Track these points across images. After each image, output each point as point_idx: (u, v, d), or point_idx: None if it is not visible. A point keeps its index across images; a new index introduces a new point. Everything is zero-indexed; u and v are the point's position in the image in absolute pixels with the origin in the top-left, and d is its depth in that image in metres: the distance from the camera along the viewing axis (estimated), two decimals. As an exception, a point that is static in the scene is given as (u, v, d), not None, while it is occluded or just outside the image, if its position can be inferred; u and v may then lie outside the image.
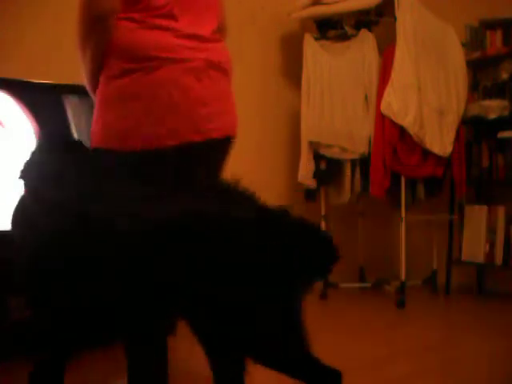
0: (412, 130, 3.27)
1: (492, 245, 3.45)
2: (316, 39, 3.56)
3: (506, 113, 3.40)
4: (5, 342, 2.29)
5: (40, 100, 2.43)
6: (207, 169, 1.64)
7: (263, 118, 3.68)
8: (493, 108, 3.43)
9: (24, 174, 1.60)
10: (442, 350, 2.41)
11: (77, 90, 2.51)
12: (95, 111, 1.62)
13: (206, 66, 1.59)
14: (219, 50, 1.66)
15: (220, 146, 1.64)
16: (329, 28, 3.60)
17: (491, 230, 3.47)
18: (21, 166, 1.63)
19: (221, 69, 1.63)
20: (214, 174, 1.67)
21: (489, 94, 3.56)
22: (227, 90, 1.66)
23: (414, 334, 2.68)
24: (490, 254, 3.45)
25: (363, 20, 3.57)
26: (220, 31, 1.70)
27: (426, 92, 3.34)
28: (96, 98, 1.65)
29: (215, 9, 1.71)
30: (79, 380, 1.92)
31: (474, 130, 3.68)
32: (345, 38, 3.57)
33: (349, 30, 3.56)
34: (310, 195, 3.61)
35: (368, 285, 3.78)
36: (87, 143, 1.64)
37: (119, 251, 1.27)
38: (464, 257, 3.59)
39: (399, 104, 3.27)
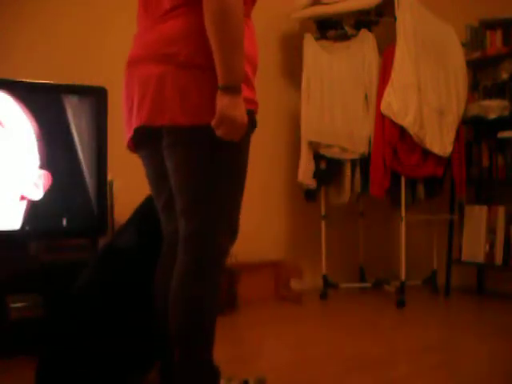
0: (412, 130, 3.27)
1: (492, 245, 3.45)
2: (316, 39, 3.56)
3: (506, 113, 3.40)
4: (5, 341, 2.29)
5: (40, 100, 2.43)
6: None
7: (263, 118, 3.64)
8: (493, 108, 3.43)
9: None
10: (442, 349, 2.41)
11: (77, 90, 2.51)
12: None
13: (126, 65, 1.66)
14: (143, 40, 1.62)
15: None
16: (329, 28, 3.59)
17: (491, 230, 3.47)
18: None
19: (132, 63, 1.63)
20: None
21: (489, 94, 3.56)
22: (140, 79, 1.59)
23: (413, 333, 2.68)
24: (490, 254, 3.45)
25: (363, 20, 3.57)
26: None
27: (426, 92, 3.34)
28: None
29: None
30: None
31: (474, 129, 3.69)
32: (345, 38, 3.57)
33: (349, 30, 3.56)
34: (310, 195, 3.61)
35: (368, 285, 3.78)
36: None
37: None
38: (464, 257, 3.59)
39: (399, 104, 3.27)
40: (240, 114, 1.46)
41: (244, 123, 1.49)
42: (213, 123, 1.47)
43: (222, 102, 1.45)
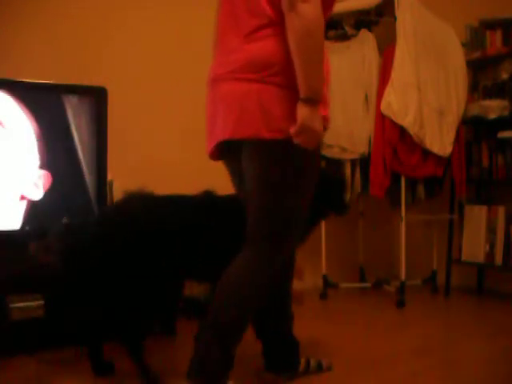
0: (412, 130, 3.27)
1: (492, 245, 3.45)
2: (316, 39, 3.55)
3: (506, 113, 3.40)
4: (5, 341, 2.29)
5: (40, 100, 2.43)
6: None
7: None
8: (493, 108, 3.43)
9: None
10: (442, 350, 2.41)
11: (77, 90, 2.51)
12: None
13: (209, 80, 1.82)
14: (230, 59, 1.74)
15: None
16: (329, 28, 3.59)
17: (491, 230, 3.46)
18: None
19: (216, 80, 1.78)
20: None
21: (489, 94, 3.56)
22: (226, 96, 1.73)
23: (413, 333, 2.68)
24: (490, 254, 3.45)
25: (363, 20, 3.56)
26: (266, 25, 1.67)
27: (425, 92, 3.34)
28: None
29: (245, 11, 1.71)
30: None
31: (474, 129, 3.68)
32: (345, 37, 3.57)
33: (349, 29, 3.56)
34: (310, 195, 3.60)
35: (368, 285, 3.77)
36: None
37: None
38: (464, 257, 3.59)
39: (399, 104, 3.27)
40: (318, 123, 1.60)
41: (320, 133, 1.63)
42: (292, 131, 1.60)
43: (303, 112, 1.59)
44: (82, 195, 2.53)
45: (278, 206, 1.72)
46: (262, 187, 1.72)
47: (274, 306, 2.00)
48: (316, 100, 1.60)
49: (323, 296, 3.54)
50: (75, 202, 2.51)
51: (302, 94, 1.59)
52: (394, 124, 3.28)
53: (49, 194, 2.45)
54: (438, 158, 3.39)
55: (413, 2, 3.38)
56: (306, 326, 2.86)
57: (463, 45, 3.57)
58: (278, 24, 1.64)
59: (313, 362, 2.10)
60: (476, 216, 3.56)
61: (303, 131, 1.60)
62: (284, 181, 1.70)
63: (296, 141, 1.62)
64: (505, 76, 3.48)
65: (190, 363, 1.72)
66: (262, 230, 1.74)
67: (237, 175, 1.88)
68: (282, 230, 1.74)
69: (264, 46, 1.66)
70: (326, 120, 1.72)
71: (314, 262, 3.70)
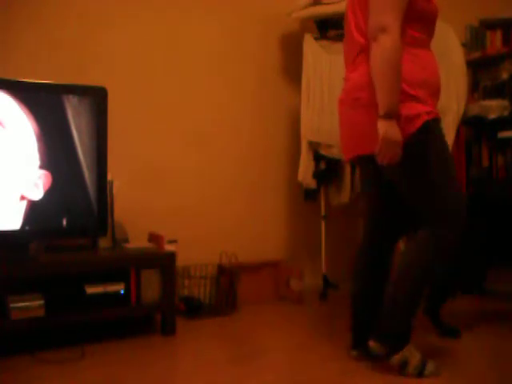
0: (412, 129, 3.27)
1: (492, 245, 3.44)
2: (316, 39, 3.56)
3: (506, 113, 3.40)
4: (5, 341, 2.30)
5: (40, 100, 2.44)
6: None
7: (263, 118, 3.68)
8: (493, 108, 3.43)
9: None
10: (442, 350, 2.41)
11: (77, 90, 2.51)
12: None
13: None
14: (347, 85, 2.11)
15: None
16: (329, 28, 3.60)
17: (491, 230, 3.46)
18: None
19: (339, 103, 2.17)
20: None
21: (489, 94, 3.56)
22: (345, 120, 2.12)
23: (413, 333, 2.68)
24: (490, 254, 3.44)
25: (363, 20, 3.56)
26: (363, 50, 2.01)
27: (425, 92, 3.34)
28: None
29: (353, 36, 2.07)
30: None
31: (474, 129, 3.68)
32: (345, 38, 3.57)
33: (349, 30, 3.56)
34: (310, 195, 3.61)
35: (368, 285, 3.77)
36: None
37: None
38: (464, 257, 3.59)
39: (399, 104, 3.27)
40: (396, 135, 1.88)
41: (394, 140, 1.88)
42: (378, 145, 1.91)
43: (382, 126, 1.88)
44: (82, 195, 2.53)
45: (422, 197, 2.00)
46: (406, 187, 2.03)
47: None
48: (392, 115, 1.86)
49: (323, 296, 3.54)
50: (75, 202, 2.51)
51: (380, 111, 1.87)
52: (394, 124, 3.28)
53: (49, 193, 2.45)
54: (437, 158, 3.39)
55: (413, 2, 3.38)
56: (305, 325, 2.86)
57: (463, 45, 3.57)
58: (367, 50, 1.96)
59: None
60: (476, 216, 3.55)
61: (386, 143, 1.88)
62: (417, 174, 1.98)
63: (376, 153, 1.91)
64: (505, 76, 3.49)
65: (377, 327, 2.12)
66: (424, 217, 2.04)
67: (374, 176, 2.19)
68: (439, 212, 2.01)
69: (357, 73, 2.03)
70: (430, 113, 1.96)
71: (314, 262, 3.71)
